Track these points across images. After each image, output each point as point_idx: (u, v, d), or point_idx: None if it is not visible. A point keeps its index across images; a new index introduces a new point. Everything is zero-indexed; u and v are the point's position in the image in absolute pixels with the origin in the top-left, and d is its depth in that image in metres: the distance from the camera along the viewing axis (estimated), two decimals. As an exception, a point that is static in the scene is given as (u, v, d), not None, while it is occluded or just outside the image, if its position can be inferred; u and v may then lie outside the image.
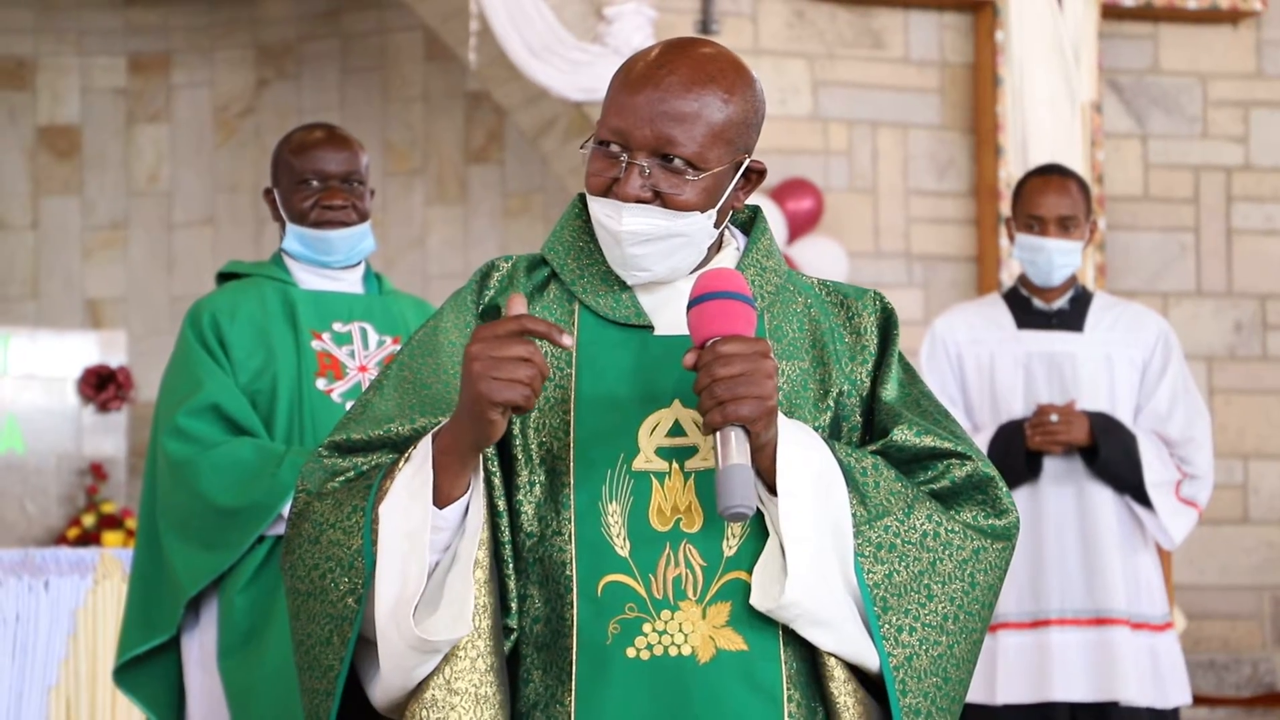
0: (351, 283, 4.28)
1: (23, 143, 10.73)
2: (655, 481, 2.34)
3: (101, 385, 9.22)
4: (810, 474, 2.30)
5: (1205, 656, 8.28)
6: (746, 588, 2.31)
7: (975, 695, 5.00)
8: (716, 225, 2.41)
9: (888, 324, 2.51)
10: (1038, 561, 4.99)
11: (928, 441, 2.43)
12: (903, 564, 2.33)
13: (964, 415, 5.12)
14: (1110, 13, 8.47)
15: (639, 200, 2.34)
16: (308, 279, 4.25)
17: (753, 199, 8.77)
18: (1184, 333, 8.06)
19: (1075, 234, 5.04)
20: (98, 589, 5.77)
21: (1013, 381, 5.09)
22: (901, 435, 2.42)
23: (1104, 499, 5.02)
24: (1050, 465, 5.02)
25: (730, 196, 2.41)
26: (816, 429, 2.40)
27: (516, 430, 2.38)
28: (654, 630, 2.30)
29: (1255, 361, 8.69)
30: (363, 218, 4.23)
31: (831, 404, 2.44)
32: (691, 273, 2.42)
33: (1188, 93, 8.69)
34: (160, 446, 4.08)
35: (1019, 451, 4.97)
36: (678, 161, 2.34)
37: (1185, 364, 5.19)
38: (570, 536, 2.33)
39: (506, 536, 2.35)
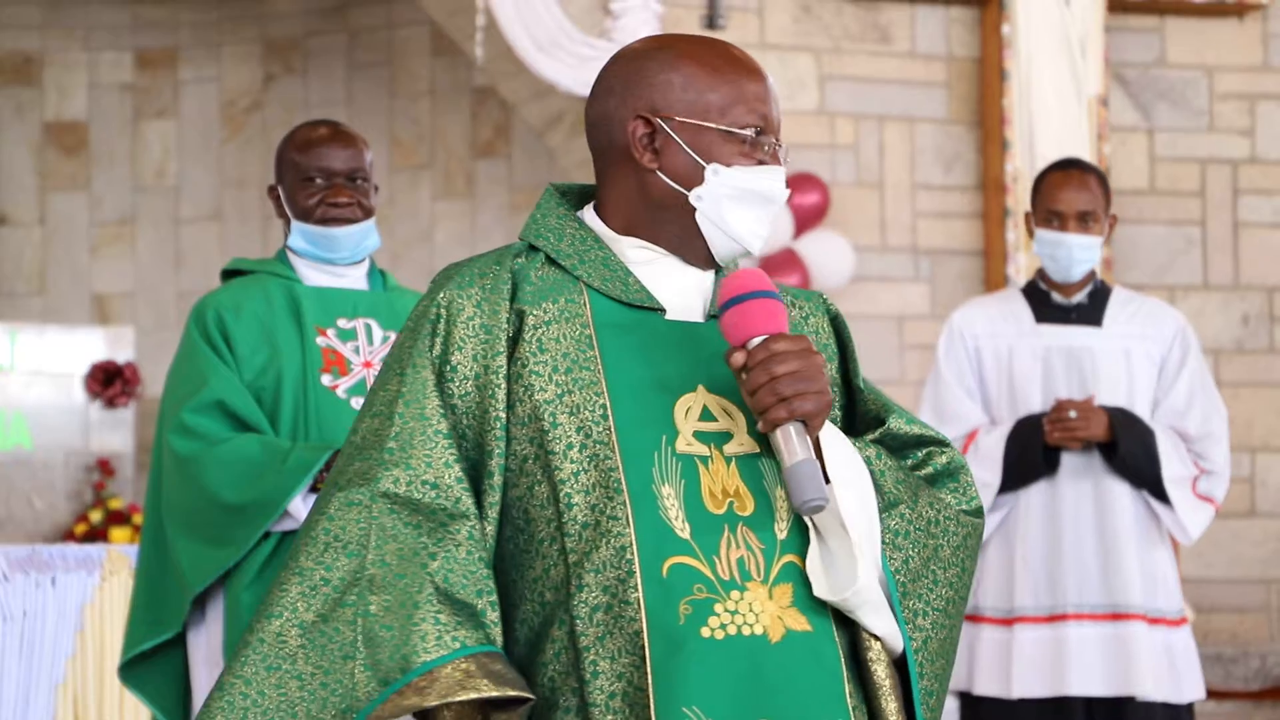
0: (356, 279, 4.28)
1: (30, 138, 10.75)
2: (700, 465, 2.35)
3: (109, 381, 9.23)
4: (856, 465, 2.37)
5: (1213, 650, 8.28)
6: (800, 571, 2.33)
7: (991, 689, 5.00)
8: None
9: (838, 321, 2.56)
10: (1055, 556, 4.98)
11: (915, 430, 2.49)
12: (915, 550, 2.40)
13: (982, 409, 5.11)
14: (1116, 6, 8.47)
15: None
16: (312, 275, 4.24)
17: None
18: (1191, 326, 8.05)
19: (1095, 229, 5.02)
20: (105, 585, 5.76)
21: (1031, 375, 5.07)
22: (896, 424, 2.48)
23: (1121, 494, 5.01)
24: (1068, 460, 5.01)
25: None
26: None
27: (548, 423, 2.34)
28: (725, 610, 2.29)
29: (1262, 354, 8.68)
30: (368, 214, 4.22)
31: None
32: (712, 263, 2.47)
33: (1194, 86, 8.68)
34: (166, 443, 4.07)
35: (1037, 446, 4.96)
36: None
37: (1203, 359, 5.20)
38: (628, 520, 2.30)
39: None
